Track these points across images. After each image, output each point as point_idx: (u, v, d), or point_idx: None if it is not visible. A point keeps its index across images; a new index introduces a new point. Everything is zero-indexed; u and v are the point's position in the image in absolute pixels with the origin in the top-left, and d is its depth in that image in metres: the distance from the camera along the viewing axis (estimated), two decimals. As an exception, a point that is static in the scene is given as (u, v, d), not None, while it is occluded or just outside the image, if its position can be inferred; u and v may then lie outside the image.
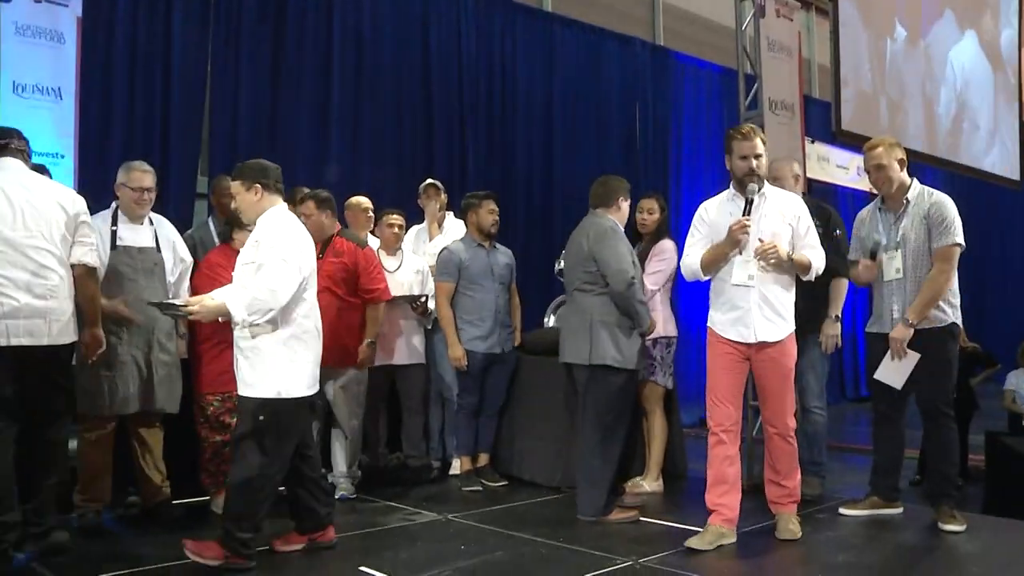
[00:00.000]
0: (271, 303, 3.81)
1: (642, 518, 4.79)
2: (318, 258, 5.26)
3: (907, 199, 4.61)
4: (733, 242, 4.24)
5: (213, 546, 3.83)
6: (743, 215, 4.23)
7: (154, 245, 4.77)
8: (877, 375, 4.62)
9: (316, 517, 4.19)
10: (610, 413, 4.78)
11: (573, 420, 5.18)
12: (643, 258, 5.38)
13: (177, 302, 4.17)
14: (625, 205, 5.07)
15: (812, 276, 4.34)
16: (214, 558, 3.80)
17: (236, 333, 3.97)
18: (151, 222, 4.81)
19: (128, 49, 6.48)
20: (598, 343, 4.76)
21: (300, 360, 3.97)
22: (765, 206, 4.30)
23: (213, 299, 3.90)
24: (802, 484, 5.19)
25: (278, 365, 3.90)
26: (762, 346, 4.25)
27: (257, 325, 3.86)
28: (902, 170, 4.63)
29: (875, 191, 4.84)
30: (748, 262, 4.25)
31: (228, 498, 3.91)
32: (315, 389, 4.13)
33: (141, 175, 4.70)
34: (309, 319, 4.04)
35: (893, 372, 4.54)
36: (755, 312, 4.23)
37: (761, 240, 4.23)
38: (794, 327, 4.33)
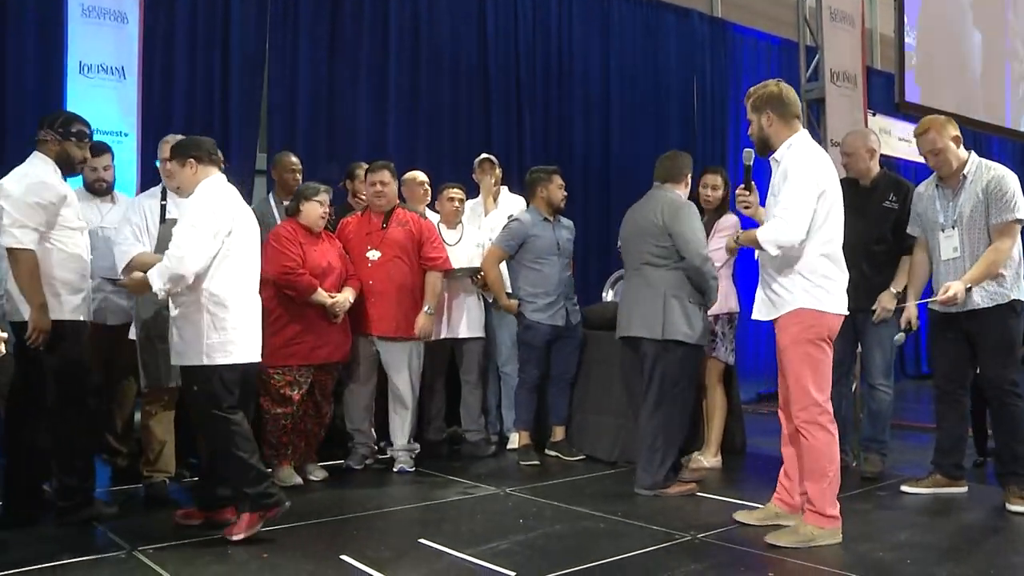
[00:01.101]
0: (179, 269, 3.80)
1: (700, 493, 4.77)
2: (381, 228, 5.33)
3: (964, 175, 4.51)
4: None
5: (244, 518, 3.87)
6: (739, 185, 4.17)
7: None
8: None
9: (213, 498, 4.16)
10: (676, 387, 4.77)
11: (632, 395, 5.17)
12: (706, 232, 5.29)
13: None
14: (688, 180, 5.06)
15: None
16: (252, 524, 3.85)
17: (170, 304, 4.03)
18: None
19: (189, 27, 6.59)
20: (671, 318, 4.71)
21: (226, 327, 3.93)
22: (774, 176, 4.00)
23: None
24: (864, 462, 5.18)
25: (201, 333, 3.89)
26: (773, 324, 4.02)
27: (178, 294, 3.91)
28: (958, 147, 4.52)
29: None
30: None
31: (220, 470, 3.96)
32: (251, 358, 4.06)
33: (164, 148, 4.73)
34: (233, 285, 3.98)
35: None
36: (759, 290, 4.10)
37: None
38: (800, 305, 3.82)
